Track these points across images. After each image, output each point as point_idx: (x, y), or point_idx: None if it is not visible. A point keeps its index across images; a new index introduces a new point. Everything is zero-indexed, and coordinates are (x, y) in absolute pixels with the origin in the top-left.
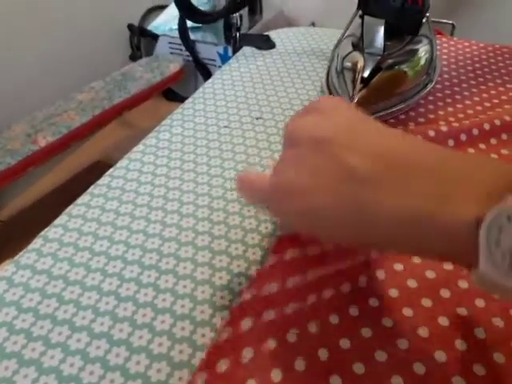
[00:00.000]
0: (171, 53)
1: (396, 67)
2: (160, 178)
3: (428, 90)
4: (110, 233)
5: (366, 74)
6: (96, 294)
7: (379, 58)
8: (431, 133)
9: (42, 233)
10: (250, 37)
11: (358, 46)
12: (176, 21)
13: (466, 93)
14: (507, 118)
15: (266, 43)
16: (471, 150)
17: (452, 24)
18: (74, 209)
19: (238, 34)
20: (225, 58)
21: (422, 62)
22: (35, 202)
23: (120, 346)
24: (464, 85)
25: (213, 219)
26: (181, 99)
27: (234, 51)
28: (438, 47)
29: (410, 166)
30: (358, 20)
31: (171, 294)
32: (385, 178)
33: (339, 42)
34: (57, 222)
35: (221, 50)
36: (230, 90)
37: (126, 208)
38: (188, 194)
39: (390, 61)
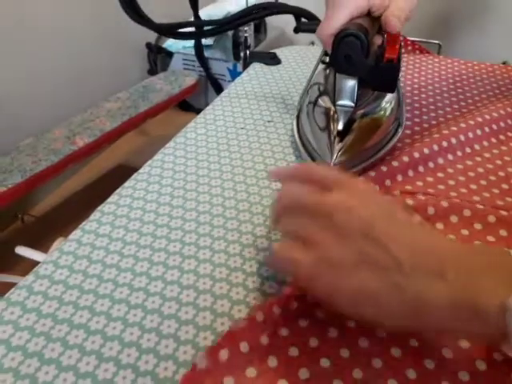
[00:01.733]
0: (184, 68)
1: (369, 116)
2: (191, 168)
3: (399, 134)
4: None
5: (340, 127)
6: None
7: (351, 109)
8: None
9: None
10: (259, 54)
11: (326, 96)
12: (188, 40)
13: (446, 101)
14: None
15: (272, 60)
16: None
17: (439, 44)
18: (104, 206)
19: (247, 52)
20: (234, 74)
21: (392, 106)
22: (64, 200)
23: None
24: (445, 95)
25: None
26: (193, 110)
27: (244, 67)
28: (427, 65)
29: (444, 260)
30: (321, 67)
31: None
32: (427, 271)
33: (306, 91)
34: (91, 217)
35: (230, 66)
36: (244, 99)
37: (150, 206)
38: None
39: (361, 111)
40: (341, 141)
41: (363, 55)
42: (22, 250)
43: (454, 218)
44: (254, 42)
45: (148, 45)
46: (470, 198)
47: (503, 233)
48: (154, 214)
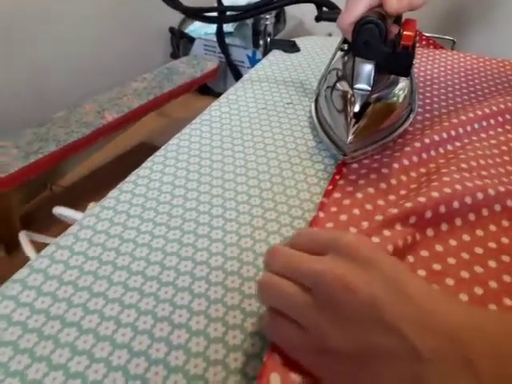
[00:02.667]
0: (205, 53)
1: (383, 100)
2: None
3: (411, 119)
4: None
5: (357, 109)
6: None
7: (368, 93)
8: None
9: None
10: (279, 41)
11: (344, 81)
12: (210, 26)
13: (457, 93)
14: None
15: (292, 47)
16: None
17: (453, 40)
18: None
19: (268, 39)
20: (253, 60)
21: (405, 93)
22: (90, 173)
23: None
24: (457, 87)
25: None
26: (212, 94)
27: (264, 54)
28: (440, 58)
29: (469, 342)
30: (339, 54)
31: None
32: (450, 358)
33: (324, 76)
34: (110, 194)
35: (250, 53)
36: (265, 83)
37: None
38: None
39: (376, 95)
40: (356, 122)
41: (381, 41)
42: (61, 210)
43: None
44: (273, 31)
45: (171, 29)
46: (479, 172)
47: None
48: (184, 179)
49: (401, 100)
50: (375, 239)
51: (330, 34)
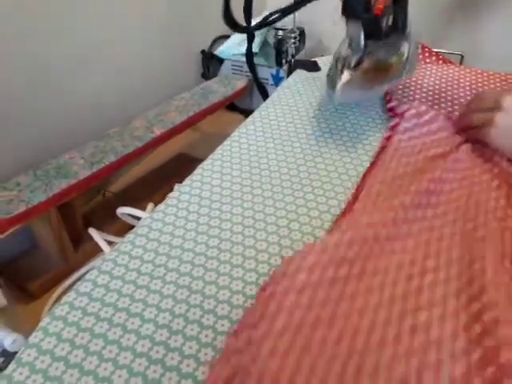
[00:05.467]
0: (233, 73)
1: (378, 60)
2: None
3: (401, 79)
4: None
5: (352, 64)
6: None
7: (361, 53)
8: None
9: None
10: (302, 62)
11: (347, 47)
12: (237, 48)
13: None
14: None
15: (314, 67)
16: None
17: (461, 55)
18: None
19: (292, 60)
20: (276, 78)
21: (399, 57)
22: (136, 180)
23: None
24: (462, 100)
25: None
26: (238, 110)
27: (289, 72)
28: (449, 74)
29: None
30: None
31: None
32: None
33: (340, 44)
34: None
35: (273, 71)
36: (291, 99)
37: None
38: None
39: (371, 56)
40: (349, 72)
41: (363, 8)
42: (124, 210)
43: None
44: (294, 51)
45: (203, 52)
46: None
47: None
48: (228, 190)
49: (394, 62)
50: None
51: None
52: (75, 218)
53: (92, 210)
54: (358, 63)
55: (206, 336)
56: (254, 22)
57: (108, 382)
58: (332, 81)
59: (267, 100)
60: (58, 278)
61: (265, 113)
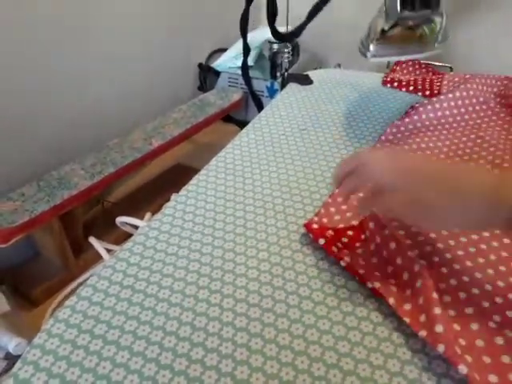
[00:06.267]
0: (229, 85)
1: (409, 27)
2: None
3: (433, 50)
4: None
5: (386, 27)
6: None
7: (396, 18)
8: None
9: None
10: (294, 75)
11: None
12: (233, 61)
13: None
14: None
15: (306, 80)
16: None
17: (450, 67)
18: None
19: (285, 73)
20: (271, 90)
21: (430, 29)
22: (134, 190)
23: None
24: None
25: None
26: (234, 121)
27: (283, 86)
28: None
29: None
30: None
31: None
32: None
33: (376, 16)
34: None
35: (268, 84)
36: (284, 112)
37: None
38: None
39: (403, 24)
40: (381, 35)
41: None
42: (123, 219)
43: None
44: (288, 64)
45: (200, 65)
46: None
47: None
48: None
49: (426, 32)
50: None
51: (338, 65)
52: (76, 227)
53: (92, 219)
54: (391, 28)
55: (198, 336)
56: (248, 37)
57: (107, 380)
58: (365, 40)
59: (261, 112)
60: (60, 285)
61: (258, 125)
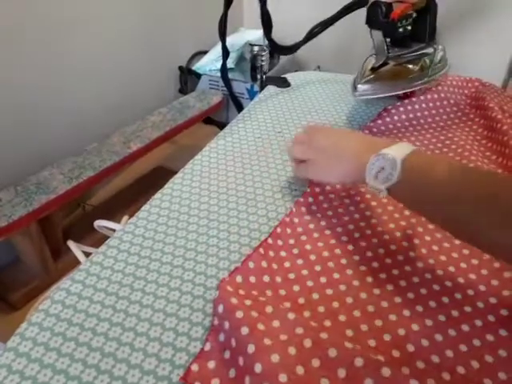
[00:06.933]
0: (210, 87)
1: (400, 64)
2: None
3: (422, 82)
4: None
5: (377, 65)
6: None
7: (384, 57)
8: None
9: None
10: (272, 78)
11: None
12: (214, 63)
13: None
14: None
15: (284, 83)
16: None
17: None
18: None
19: (263, 77)
20: (251, 93)
21: (420, 64)
22: (115, 193)
23: None
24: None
25: None
26: (214, 123)
27: (261, 88)
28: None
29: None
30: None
31: None
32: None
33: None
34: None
35: (248, 86)
36: (261, 115)
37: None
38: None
39: (394, 60)
40: (371, 73)
41: (382, 16)
42: (102, 223)
43: None
44: (268, 66)
45: (180, 68)
46: None
47: None
48: (198, 195)
49: (417, 68)
50: None
51: (318, 67)
52: (55, 231)
53: (72, 222)
54: (381, 66)
55: (168, 337)
56: (229, 40)
57: (78, 380)
58: (355, 80)
59: (238, 115)
60: (39, 289)
61: (235, 128)
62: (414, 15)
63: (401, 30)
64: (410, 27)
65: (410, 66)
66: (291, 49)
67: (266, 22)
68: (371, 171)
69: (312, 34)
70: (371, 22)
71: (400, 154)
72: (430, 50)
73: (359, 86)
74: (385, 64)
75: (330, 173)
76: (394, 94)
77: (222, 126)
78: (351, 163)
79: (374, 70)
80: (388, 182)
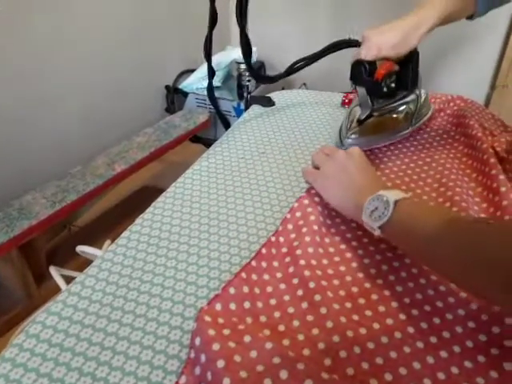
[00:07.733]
0: (197, 106)
1: (383, 115)
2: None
3: (407, 132)
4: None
5: (362, 117)
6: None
7: (369, 110)
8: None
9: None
10: (257, 97)
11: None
12: (201, 81)
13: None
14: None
15: (268, 102)
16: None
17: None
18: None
19: (248, 96)
20: (238, 111)
21: (405, 112)
22: (101, 214)
23: None
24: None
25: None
26: (202, 141)
27: (246, 107)
28: None
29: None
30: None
31: None
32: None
33: (352, 104)
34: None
35: (235, 104)
36: (244, 135)
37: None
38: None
39: (379, 111)
40: (360, 124)
41: (366, 74)
42: (84, 248)
43: None
44: (254, 84)
45: (167, 87)
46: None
47: None
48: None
49: (400, 116)
50: None
51: (304, 84)
52: (38, 255)
53: (57, 244)
54: (366, 118)
55: (147, 355)
56: (216, 58)
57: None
58: (341, 133)
59: (222, 136)
60: (22, 315)
61: (219, 149)
62: (397, 69)
63: (385, 89)
64: (393, 84)
65: (395, 116)
66: (271, 79)
67: (246, 48)
68: (367, 210)
69: (293, 70)
70: (355, 79)
71: (395, 197)
72: (413, 97)
73: (345, 140)
74: (370, 116)
75: (334, 197)
76: (380, 146)
77: (209, 143)
78: (352, 201)
79: (359, 122)
80: (380, 221)
